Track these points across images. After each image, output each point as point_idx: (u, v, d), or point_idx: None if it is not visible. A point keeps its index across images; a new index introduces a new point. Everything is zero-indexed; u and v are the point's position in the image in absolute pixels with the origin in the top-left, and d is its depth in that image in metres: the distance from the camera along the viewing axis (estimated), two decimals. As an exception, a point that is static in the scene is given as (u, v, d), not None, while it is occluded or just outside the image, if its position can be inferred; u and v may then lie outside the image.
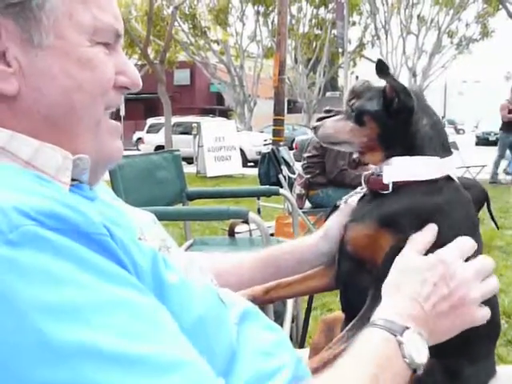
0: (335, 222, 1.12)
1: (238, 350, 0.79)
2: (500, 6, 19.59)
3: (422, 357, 0.77)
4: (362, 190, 1.12)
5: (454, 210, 0.99)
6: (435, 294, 0.84)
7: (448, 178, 1.01)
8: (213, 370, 0.70)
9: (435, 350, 0.90)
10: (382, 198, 1.02)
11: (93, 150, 0.74)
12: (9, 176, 0.63)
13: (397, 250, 0.92)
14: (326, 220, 1.18)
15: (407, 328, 0.77)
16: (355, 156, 1.09)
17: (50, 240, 0.55)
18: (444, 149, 1.04)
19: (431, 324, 0.83)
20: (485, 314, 0.87)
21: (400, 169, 1.01)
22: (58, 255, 0.55)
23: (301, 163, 4.55)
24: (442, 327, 0.84)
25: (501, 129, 10.68)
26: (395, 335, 0.76)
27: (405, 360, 0.75)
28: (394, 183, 1.01)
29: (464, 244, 0.91)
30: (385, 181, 1.01)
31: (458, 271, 0.86)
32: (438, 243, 0.92)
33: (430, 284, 0.84)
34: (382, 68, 1.06)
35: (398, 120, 1.04)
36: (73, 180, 0.72)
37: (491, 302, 1.00)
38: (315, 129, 1.17)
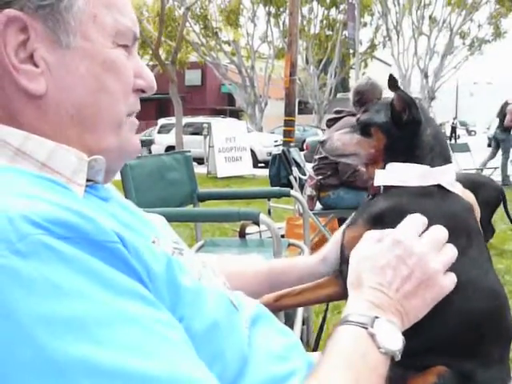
0: (335, 245, 1.12)
1: (249, 355, 0.79)
2: (513, 7, 19.42)
3: (397, 343, 0.76)
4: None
5: (440, 216, 0.97)
6: (396, 277, 0.83)
7: (440, 187, 1.04)
8: (224, 374, 0.70)
9: (447, 355, 0.91)
10: (375, 199, 1.09)
11: (115, 147, 0.76)
12: (21, 182, 0.63)
13: None
14: (338, 222, 1.22)
15: (376, 318, 0.77)
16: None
17: (58, 250, 0.54)
18: (443, 158, 1.08)
19: (401, 307, 0.82)
20: (452, 279, 0.86)
21: (391, 174, 1.07)
22: (65, 266, 0.54)
23: (312, 164, 4.54)
24: (414, 306, 0.83)
25: (504, 130, 10.56)
26: (366, 328, 0.75)
27: (380, 351, 0.74)
28: (384, 187, 1.08)
29: (415, 220, 0.90)
30: (375, 184, 1.09)
31: (414, 248, 0.85)
32: None
33: (389, 269, 0.83)
34: (392, 82, 1.12)
35: (406, 131, 1.09)
36: (88, 180, 0.72)
37: (502, 305, 1.00)
38: (323, 143, 1.19)
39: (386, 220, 0.99)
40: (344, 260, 1.07)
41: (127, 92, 0.77)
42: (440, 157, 1.08)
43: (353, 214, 1.15)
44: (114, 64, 0.74)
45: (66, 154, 0.70)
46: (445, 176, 1.06)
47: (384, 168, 1.09)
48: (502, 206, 5.17)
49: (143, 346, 0.54)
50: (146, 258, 0.65)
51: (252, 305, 0.91)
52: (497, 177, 10.23)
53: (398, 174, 1.06)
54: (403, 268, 0.84)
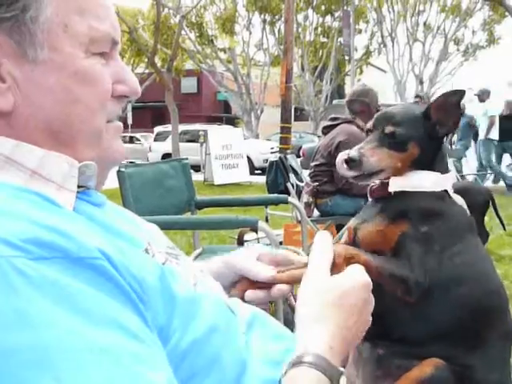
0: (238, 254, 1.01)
1: (247, 360, 0.78)
2: (506, 14, 19.55)
3: None
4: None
5: (455, 215, 1.12)
6: (358, 321, 0.78)
7: (446, 192, 1.13)
8: (223, 380, 0.70)
9: (450, 345, 0.93)
10: (387, 201, 1.15)
11: (96, 157, 0.74)
12: (2, 198, 0.61)
13: (403, 236, 1.05)
14: (336, 228, 1.24)
15: (342, 373, 0.70)
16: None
17: (29, 275, 0.51)
18: (446, 165, 1.19)
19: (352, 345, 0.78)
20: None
21: (407, 181, 1.12)
22: (34, 292, 0.51)
23: (308, 171, 4.54)
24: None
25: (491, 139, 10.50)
26: (332, 382, 0.68)
27: None
28: (396, 192, 1.14)
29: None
30: (390, 189, 1.13)
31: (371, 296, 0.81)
32: (435, 243, 1.04)
33: (356, 312, 0.77)
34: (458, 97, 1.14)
35: (435, 143, 1.15)
36: (80, 187, 0.71)
37: (504, 305, 1.03)
38: (355, 160, 1.12)
39: (409, 216, 1.08)
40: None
41: (104, 101, 0.74)
42: (445, 164, 1.17)
43: (357, 215, 1.18)
44: (87, 74, 0.71)
45: (57, 161, 0.69)
46: (449, 182, 1.14)
47: (400, 175, 1.13)
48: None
49: (113, 383, 0.50)
50: (136, 271, 0.63)
51: (247, 309, 0.91)
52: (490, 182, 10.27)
53: (414, 181, 1.11)
54: (364, 313, 0.79)
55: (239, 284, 0.95)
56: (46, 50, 0.68)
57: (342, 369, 0.71)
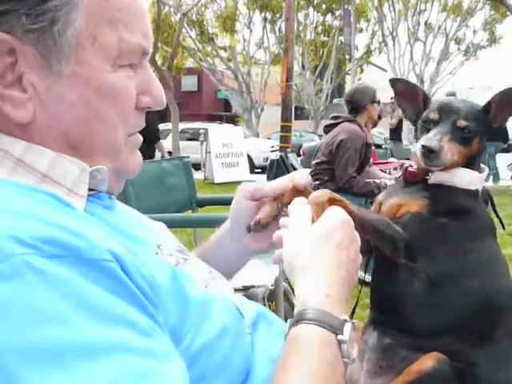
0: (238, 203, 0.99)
1: (252, 361, 0.79)
2: (508, 13, 19.54)
3: (355, 350, 0.70)
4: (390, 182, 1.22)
5: (485, 214, 1.13)
6: (349, 259, 0.77)
7: (477, 191, 1.13)
8: (231, 382, 0.70)
9: (453, 351, 0.94)
10: (419, 186, 1.12)
11: (112, 168, 0.73)
12: (15, 198, 0.61)
13: (415, 215, 1.05)
14: None
15: (345, 321, 0.69)
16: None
17: (44, 271, 0.52)
18: (480, 165, 1.17)
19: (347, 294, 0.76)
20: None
21: (449, 175, 1.10)
22: (49, 289, 0.51)
23: (309, 170, 4.54)
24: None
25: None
26: (336, 333, 0.67)
27: (344, 360, 0.68)
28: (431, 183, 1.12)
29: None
30: (431, 181, 1.11)
31: (355, 232, 0.80)
32: (450, 235, 1.05)
33: (343, 249, 0.77)
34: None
35: (489, 139, 1.16)
36: (92, 190, 0.71)
37: (510, 309, 1.04)
38: (433, 152, 1.06)
39: (435, 205, 1.07)
40: None
41: (127, 115, 0.72)
42: (480, 163, 1.16)
43: (386, 191, 1.18)
44: (112, 89, 0.69)
45: (68, 165, 0.68)
46: (482, 182, 1.15)
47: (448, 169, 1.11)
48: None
49: (124, 379, 0.51)
50: (147, 272, 0.63)
51: (252, 307, 0.91)
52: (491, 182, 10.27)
53: (456, 178, 1.10)
54: (352, 250, 0.78)
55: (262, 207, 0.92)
56: (72, 64, 0.66)
57: (343, 316, 0.70)
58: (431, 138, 1.06)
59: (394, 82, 1.18)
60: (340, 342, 0.67)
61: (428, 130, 1.09)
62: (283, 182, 0.93)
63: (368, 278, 1.16)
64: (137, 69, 0.74)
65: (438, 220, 1.04)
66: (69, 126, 0.68)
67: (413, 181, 1.14)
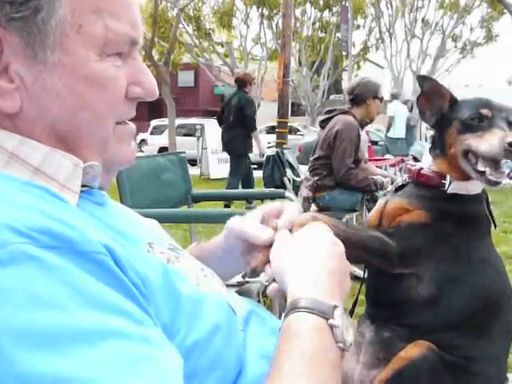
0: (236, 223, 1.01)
1: (245, 358, 0.79)
2: (505, 11, 19.55)
3: (350, 336, 0.70)
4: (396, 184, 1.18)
5: (479, 217, 1.11)
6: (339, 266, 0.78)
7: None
8: (224, 379, 0.70)
9: (451, 345, 0.95)
10: (430, 190, 1.09)
11: (102, 160, 0.73)
12: (10, 191, 0.61)
13: (412, 228, 1.03)
14: None
15: (336, 307, 0.69)
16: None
17: (40, 259, 0.52)
18: None
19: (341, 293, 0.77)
20: None
21: (468, 186, 1.09)
22: (45, 275, 0.51)
23: (308, 166, 4.53)
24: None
25: None
26: (327, 318, 0.68)
27: (338, 345, 0.68)
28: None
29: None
30: (449, 191, 1.08)
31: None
32: (454, 238, 1.04)
33: (326, 248, 0.79)
34: None
35: None
36: (84, 186, 0.71)
37: (508, 305, 1.04)
38: None
39: (440, 214, 1.05)
40: (375, 227, 1.13)
41: (116, 104, 0.72)
42: None
43: (391, 190, 1.16)
44: (99, 78, 0.68)
45: (61, 160, 0.68)
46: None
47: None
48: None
49: (121, 363, 0.51)
50: (139, 268, 0.63)
51: (244, 304, 0.91)
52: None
53: (470, 185, 1.09)
54: (336, 249, 0.80)
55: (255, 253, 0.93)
56: (57, 53, 0.66)
57: (333, 302, 0.70)
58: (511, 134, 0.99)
59: (421, 80, 1.13)
60: (332, 327, 0.67)
61: (479, 128, 1.03)
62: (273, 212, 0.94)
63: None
64: (126, 58, 0.73)
65: (443, 226, 1.04)
66: (56, 117, 0.67)
67: (422, 182, 1.10)
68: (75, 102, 0.68)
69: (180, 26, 21.13)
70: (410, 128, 12.10)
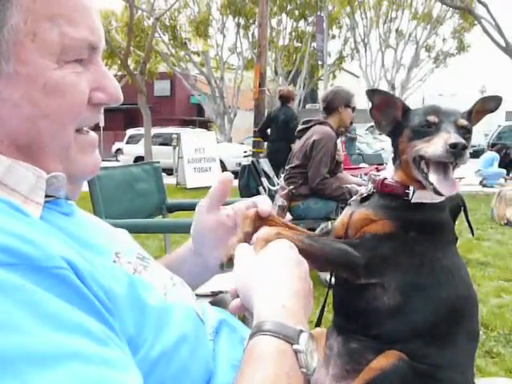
0: (197, 225, 1.03)
1: (214, 368, 0.78)
2: (475, 22, 19.96)
3: (315, 361, 0.68)
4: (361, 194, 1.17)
5: (443, 225, 1.11)
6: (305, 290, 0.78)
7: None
8: None
9: (418, 354, 0.95)
10: (393, 200, 1.09)
11: (64, 170, 0.71)
12: None
13: (376, 238, 1.03)
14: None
15: (301, 332, 0.68)
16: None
17: None
18: None
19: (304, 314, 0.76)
20: None
21: (429, 194, 1.06)
22: (1, 296, 0.49)
23: (283, 174, 4.55)
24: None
25: None
26: (291, 343, 0.66)
27: (302, 370, 0.66)
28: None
29: None
30: (413, 200, 1.08)
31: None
32: (418, 246, 1.04)
33: (292, 267, 0.78)
34: None
35: None
36: (50, 196, 0.70)
37: (473, 313, 1.05)
38: (465, 148, 1.01)
39: (404, 222, 1.05)
40: (341, 237, 1.12)
41: (77, 111, 0.70)
42: None
43: (355, 198, 1.16)
44: (58, 86, 0.67)
45: (24, 172, 0.66)
46: None
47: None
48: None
49: None
50: (103, 281, 0.62)
51: (215, 314, 0.90)
52: (462, 187, 10.46)
53: (432, 195, 1.06)
54: (301, 268, 0.79)
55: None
56: (13, 62, 0.64)
57: (299, 326, 0.68)
58: (456, 136, 1.00)
59: (370, 94, 1.13)
60: (296, 352, 0.66)
61: (427, 134, 1.04)
62: (243, 205, 0.97)
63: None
64: (87, 64, 0.72)
65: (407, 235, 1.04)
66: (15, 127, 0.66)
67: (388, 193, 1.11)
68: (34, 111, 0.67)
69: (156, 35, 21.12)
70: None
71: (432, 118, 1.05)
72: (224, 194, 1.00)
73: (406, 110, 1.12)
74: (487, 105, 1.13)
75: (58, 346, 0.50)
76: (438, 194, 1.01)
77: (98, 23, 0.73)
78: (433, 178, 1.02)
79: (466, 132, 1.05)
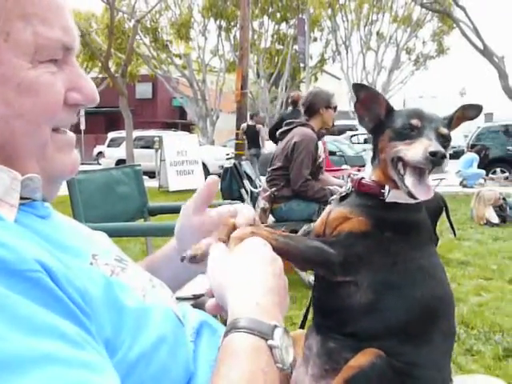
0: (184, 221, 1.03)
1: (195, 369, 0.78)
2: (454, 25, 20.21)
3: (290, 356, 0.69)
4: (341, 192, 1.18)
5: (419, 226, 1.11)
6: (280, 286, 0.78)
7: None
8: None
9: (395, 352, 0.96)
10: (370, 199, 1.11)
11: (41, 170, 0.71)
12: None
13: (352, 236, 1.04)
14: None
15: (276, 327, 0.68)
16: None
17: None
18: None
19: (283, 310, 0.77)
20: None
21: (404, 195, 1.06)
22: None
23: (265, 176, 4.56)
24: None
25: None
26: (266, 339, 0.67)
27: (277, 365, 0.66)
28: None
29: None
30: (388, 200, 1.09)
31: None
32: (393, 246, 1.04)
33: (266, 265, 0.79)
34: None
35: None
36: (26, 198, 0.69)
37: (449, 312, 1.07)
38: (444, 157, 1.02)
39: (380, 222, 1.06)
40: (320, 236, 1.13)
41: (52, 111, 0.70)
42: None
43: (334, 197, 1.17)
44: (32, 86, 0.67)
45: None
46: None
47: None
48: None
49: None
50: (79, 283, 0.61)
51: (196, 315, 0.91)
52: (443, 187, 10.57)
53: (406, 196, 1.06)
54: (275, 265, 0.80)
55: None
56: None
57: (273, 322, 0.69)
58: (436, 145, 1.02)
59: (357, 88, 1.14)
60: (271, 348, 0.66)
61: (408, 137, 1.06)
62: (226, 210, 0.99)
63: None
64: (62, 65, 0.72)
65: (382, 234, 1.05)
66: None
67: (364, 192, 1.13)
68: (7, 110, 0.66)
69: (137, 37, 21.02)
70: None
71: (415, 122, 1.06)
72: (210, 197, 1.01)
73: (390, 110, 1.13)
74: (468, 113, 1.15)
75: (33, 350, 0.50)
76: (412, 197, 1.03)
77: (71, 23, 0.73)
78: (408, 181, 1.04)
79: (445, 140, 1.06)
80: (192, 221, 1.00)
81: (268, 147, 12.42)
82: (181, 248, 1.01)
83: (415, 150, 1.02)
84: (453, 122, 1.13)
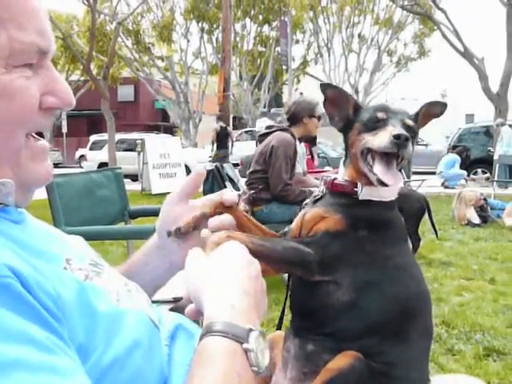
0: (164, 217, 1.03)
1: (169, 373, 0.78)
2: (435, 27, 20.43)
3: (266, 359, 0.69)
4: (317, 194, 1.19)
5: (393, 224, 1.13)
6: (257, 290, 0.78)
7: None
8: None
9: (373, 352, 0.97)
10: (343, 198, 1.12)
11: (15, 176, 0.70)
12: None
13: (328, 235, 1.05)
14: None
15: (251, 330, 0.68)
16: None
17: None
18: None
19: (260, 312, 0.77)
20: None
21: (376, 192, 1.09)
22: None
23: (245, 179, 4.56)
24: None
25: None
26: (241, 342, 0.67)
27: (253, 369, 0.66)
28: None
29: None
30: (361, 198, 1.10)
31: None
32: (369, 245, 1.05)
33: (242, 268, 0.79)
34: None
35: None
36: None
37: (427, 311, 1.08)
38: (407, 139, 1.05)
39: (355, 221, 1.07)
40: (297, 236, 1.13)
41: (27, 115, 0.70)
42: None
43: (311, 199, 1.17)
44: (6, 91, 0.66)
45: None
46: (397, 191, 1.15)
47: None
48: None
49: None
50: (51, 288, 0.61)
51: (172, 319, 0.90)
52: (424, 188, 10.67)
53: (383, 191, 1.08)
54: (252, 268, 0.80)
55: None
56: None
57: (249, 325, 0.69)
58: (399, 128, 1.04)
59: (324, 88, 1.16)
60: (246, 351, 0.66)
61: (375, 128, 1.08)
62: (210, 197, 1.00)
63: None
64: (37, 69, 0.71)
65: (357, 233, 1.06)
66: None
67: (338, 192, 1.14)
68: None
69: (119, 39, 20.94)
70: None
71: (381, 115, 1.09)
72: (194, 188, 1.02)
73: (358, 108, 1.16)
74: (433, 109, 1.17)
75: (0, 356, 0.49)
76: (382, 184, 1.04)
77: (47, 26, 0.72)
78: (377, 168, 1.06)
79: (411, 132, 1.07)
80: (175, 210, 1.00)
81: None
82: (161, 241, 1.01)
83: (381, 138, 1.05)
84: (419, 117, 1.15)
